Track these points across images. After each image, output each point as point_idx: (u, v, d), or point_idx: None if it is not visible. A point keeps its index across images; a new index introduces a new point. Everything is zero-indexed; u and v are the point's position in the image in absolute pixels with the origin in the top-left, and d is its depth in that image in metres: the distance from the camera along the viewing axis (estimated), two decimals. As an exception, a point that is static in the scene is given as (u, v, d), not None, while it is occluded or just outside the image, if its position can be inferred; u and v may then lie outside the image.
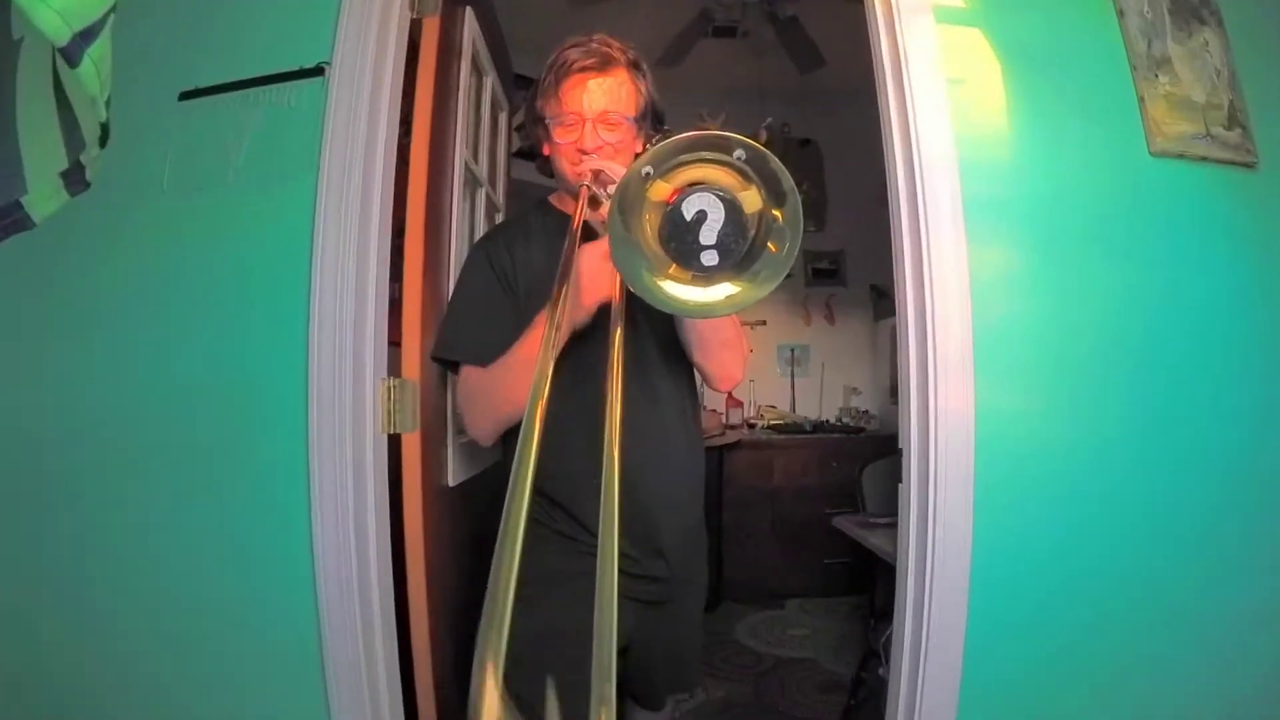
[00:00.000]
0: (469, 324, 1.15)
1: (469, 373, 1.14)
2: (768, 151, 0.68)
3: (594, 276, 0.96)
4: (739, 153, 0.68)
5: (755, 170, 0.69)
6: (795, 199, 0.69)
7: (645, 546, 1.13)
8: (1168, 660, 1.28)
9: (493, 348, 1.07)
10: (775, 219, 0.70)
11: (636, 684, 1.29)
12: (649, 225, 0.72)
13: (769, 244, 0.71)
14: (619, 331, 0.77)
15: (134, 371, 1.29)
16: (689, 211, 0.69)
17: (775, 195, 0.70)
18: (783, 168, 0.69)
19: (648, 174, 0.70)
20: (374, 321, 1.29)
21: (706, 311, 0.77)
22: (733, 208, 0.70)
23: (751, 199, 0.70)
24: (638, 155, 0.87)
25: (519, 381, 0.97)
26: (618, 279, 0.85)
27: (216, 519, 1.26)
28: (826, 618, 3.28)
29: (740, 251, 0.71)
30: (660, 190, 0.71)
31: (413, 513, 1.33)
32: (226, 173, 1.29)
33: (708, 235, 0.70)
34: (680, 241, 0.71)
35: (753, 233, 0.71)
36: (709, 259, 0.71)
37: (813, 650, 2.92)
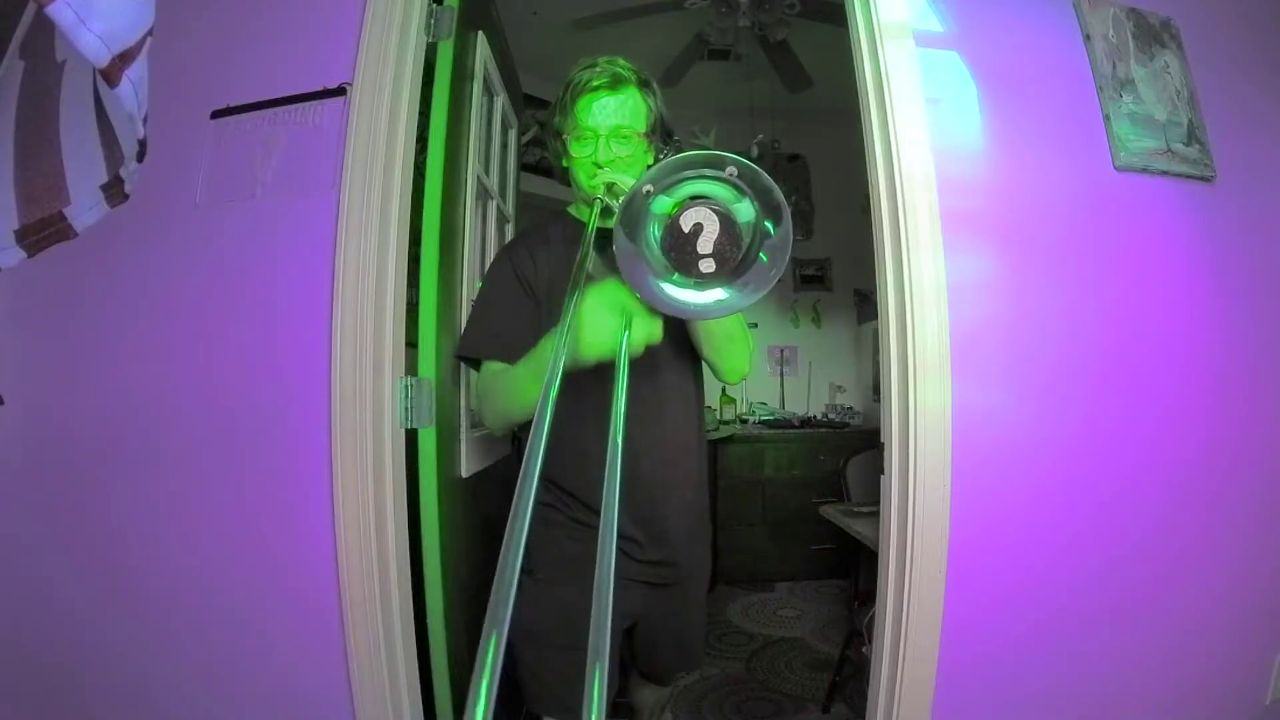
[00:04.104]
0: (491, 324, 1.15)
1: (489, 368, 1.13)
2: (758, 168, 0.69)
3: (595, 327, 0.82)
4: (731, 169, 0.69)
5: (748, 184, 0.70)
6: (788, 217, 0.70)
7: (651, 532, 1.13)
8: (1129, 635, 1.28)
9: (512, 346, 1.07)
10: (768, 231, 0.71)
11: (644, 661, 1.29)
12: (653, 236, 0.73)
13: (761, 254, 0.72)
14: (623, 344, 0.77)
15: (169, 370, 1.29)
16: (687, 224, 0.71)
17: (769, 208, 0.71)
18: (773, 183, 0.69)
19: (648, 191, 0.71)
20: (392, 324, 1.29)
21: (700, 312, 0.78)
22: (727, 220, 0.70)
23: (745, 210, 0.71)
24: (649, 167, 0.87)
25: (526, 391, 0.98)
26: (619, 337, 0.79)
27: (245, 507, 1.26)
28: (813, 600, 3.28)
29: (736, 259, 0.72)
30: (663, 203, 0.72)
31: (429, 502, 1.33)
32: (255, 186, 1.29)
33: (705, 245, 0.71)
34: (680, 250, 0.72)
35: (747, 241, 0.72)
36: (706, 266, 0.72)
37: (801, 630, 2.93)
